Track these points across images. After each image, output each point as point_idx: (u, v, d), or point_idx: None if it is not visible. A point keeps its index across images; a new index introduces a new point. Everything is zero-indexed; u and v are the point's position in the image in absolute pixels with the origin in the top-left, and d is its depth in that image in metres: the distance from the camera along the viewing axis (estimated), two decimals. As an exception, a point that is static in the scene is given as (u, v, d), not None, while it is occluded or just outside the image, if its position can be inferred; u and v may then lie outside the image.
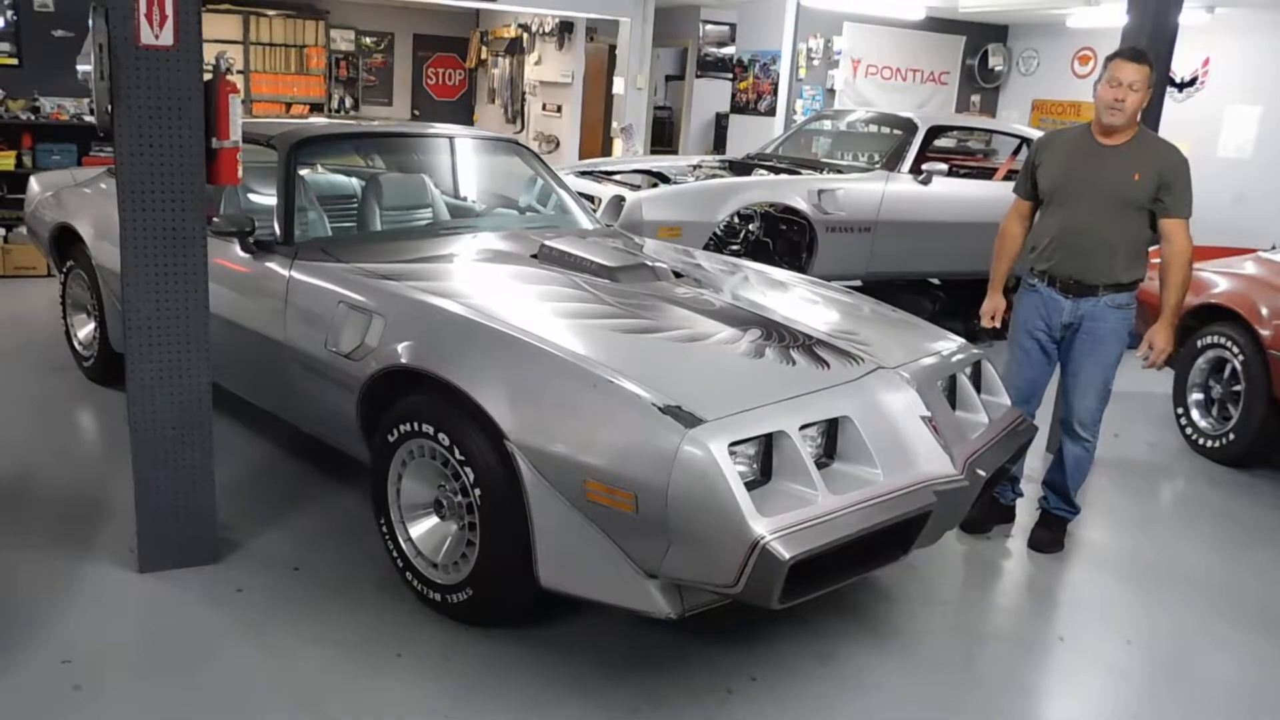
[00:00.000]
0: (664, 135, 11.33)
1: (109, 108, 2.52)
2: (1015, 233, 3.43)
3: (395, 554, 2.75)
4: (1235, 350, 4.36)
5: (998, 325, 3.47)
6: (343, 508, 3.31)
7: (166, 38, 2.50)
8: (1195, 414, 4.57)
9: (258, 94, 10.53)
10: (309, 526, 3.17)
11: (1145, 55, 3.10)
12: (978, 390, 2.97)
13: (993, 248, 3.50)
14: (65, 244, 4.44)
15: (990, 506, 3.44)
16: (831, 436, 2.43)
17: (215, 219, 3.17)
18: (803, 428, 2.32)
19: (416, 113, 11.67)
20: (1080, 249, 3.18)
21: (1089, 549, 3.48)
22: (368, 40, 11.43)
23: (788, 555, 2.07)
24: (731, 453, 2.16)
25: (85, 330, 4.43)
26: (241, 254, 3.29)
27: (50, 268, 5.19)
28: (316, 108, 10.84)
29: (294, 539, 3.08)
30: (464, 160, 4.26)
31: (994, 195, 6.14)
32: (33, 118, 6.68)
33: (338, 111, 11.14)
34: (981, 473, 2.61)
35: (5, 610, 2.60)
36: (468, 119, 11.71)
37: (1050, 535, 3.42)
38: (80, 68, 2.69)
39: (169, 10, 2.48)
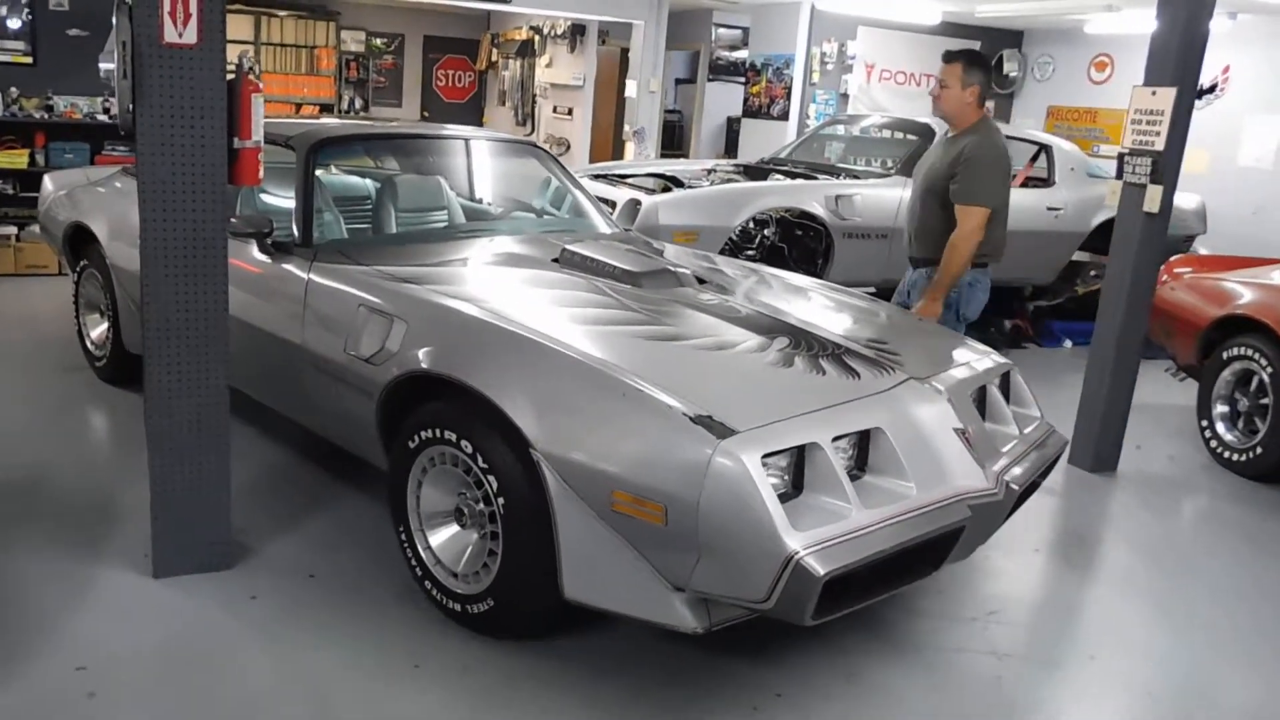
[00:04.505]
0: (673, 139, 11.28)
1: (131, 106, 2.48)
2: None
3: (414, 562, 2.70)
4: (1263, 362, 4.28)
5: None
6: (360, 515, 3.27)
7: (190, 36, 2.46)
8: (1221, 427, 4.50)
9: (268, 94, 10.47)
10: (325, 533, 3.13)
11: (954, 55, 3.54)
12: (1007, 401, 2.92)
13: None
14: (79, 243, 4.40)
15: None
16: (863, 448, 2.38)
17: (233, 220, 3.13)
18: (835, 439, 2.27)
19: (426, 114, 11.65)
20: (910, 229, 3.71)
21: (1115, 566, 3.42)
22: (378, 41, 11.42)
23: (822, 571, 2.02)
24: (764, 465, 2.11)
25: (98, 330, 4.39)
26: (259, 255, 3.25)
27: (61, 266, 5.17)
28: (326, 108, 10.82)
29: (310, 546, 3.03)
30: (480, 162, 4.22)
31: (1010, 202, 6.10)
32: (46, 116, 6.65)
33: (347, 112, 11.12)
34: (1014, 486, 2.56)
35: (19, 615, 2.56)
36: (477, 121, 11.69)
37: None
38: (103, 66, 2.67)
39: (193, 9, 2.44)
